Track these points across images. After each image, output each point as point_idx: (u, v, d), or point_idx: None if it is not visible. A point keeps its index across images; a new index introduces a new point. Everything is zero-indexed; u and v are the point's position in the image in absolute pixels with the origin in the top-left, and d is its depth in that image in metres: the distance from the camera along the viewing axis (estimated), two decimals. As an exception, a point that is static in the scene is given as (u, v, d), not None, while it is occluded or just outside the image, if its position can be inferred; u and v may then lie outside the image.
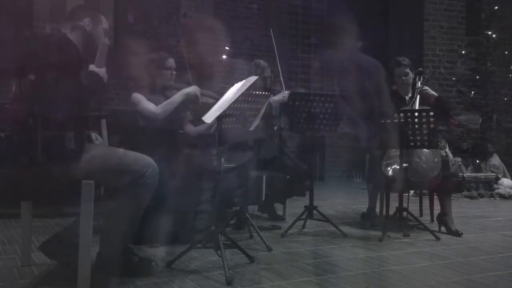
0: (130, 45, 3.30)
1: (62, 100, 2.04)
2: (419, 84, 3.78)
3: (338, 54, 3.50)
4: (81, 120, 2.20)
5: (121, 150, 2.30)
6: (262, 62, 4.06)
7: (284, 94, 3.85)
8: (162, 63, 3.36)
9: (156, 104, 3.22)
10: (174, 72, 3.41)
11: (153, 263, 2.40)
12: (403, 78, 3.84)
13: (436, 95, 3.81)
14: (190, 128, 3.47)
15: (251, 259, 2.64)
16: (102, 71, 2.20)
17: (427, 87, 3.78)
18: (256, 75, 3.55)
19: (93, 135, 2.53)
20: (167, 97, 3.28)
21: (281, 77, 4.16)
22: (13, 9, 5.07)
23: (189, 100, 3.25)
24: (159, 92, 3.35)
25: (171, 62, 3.39)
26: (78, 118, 2.16)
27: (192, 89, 3.24)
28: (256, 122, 3.17)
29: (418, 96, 3.72)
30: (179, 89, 3.32)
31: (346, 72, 3.44)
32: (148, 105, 3.22)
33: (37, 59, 2.10)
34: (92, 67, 2.20)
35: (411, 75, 3.85)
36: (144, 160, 2.23)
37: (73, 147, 2.08)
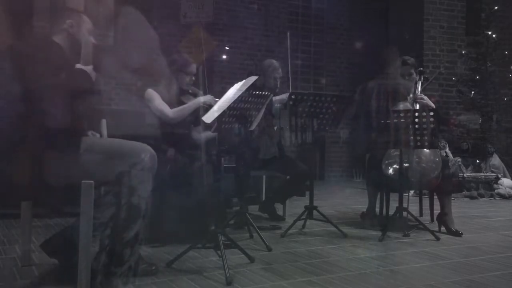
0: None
1: (50, 100, 2.05)
2: (419, 83, 3.78)
3: (388, 81, 3.85)
4: (74, 118, 2.17)
5: (117, 139, 2.31)
6: (274, 63, 4.04)
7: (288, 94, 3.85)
8: (185, 67, 3.35)
9: (169, 106, 3.22)
10: (193, 78, 3.41)
11: (154, 267, 2.40)
12: (406, 77, 3.84)
13: (433, 106, 3.76)
14: (197, 135, 3.44)
15: (251, 259, 2.64)
16: (89, 68, 2.20)
17: (425, 98, 3.75)
18: (255, 74, 3.55)
19: (90, 133, 2.52)
20: (180, 101, 3.28)
21: (290, 79, 4.15)
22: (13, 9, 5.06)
23: (202, 108, 3.25)
24: (174, 94, 3.34)
25: (193, 68, 3.39)
26: (70, 116, 2.14)
27: (208, 98, 3.23)
28: (256, 122, 3.17)
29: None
30: (194, 94, 3.33)
31: (396, 94, 3.79)
32: (163, 106, 3.20)
33: (23, 61, 2.10)
34: (79, 65, 2.20)
35: (415, 76, 3.85)
36: (141, 146, 2.24)
37: (69, 144, 2.08)
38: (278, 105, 3.88)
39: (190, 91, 3.39)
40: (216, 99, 3.27)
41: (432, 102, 3.77)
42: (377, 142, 3.53)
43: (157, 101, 3.22)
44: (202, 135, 3.27)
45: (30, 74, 2.07)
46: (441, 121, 3.83)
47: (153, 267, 2.40)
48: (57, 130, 2.07)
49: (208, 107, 3.20)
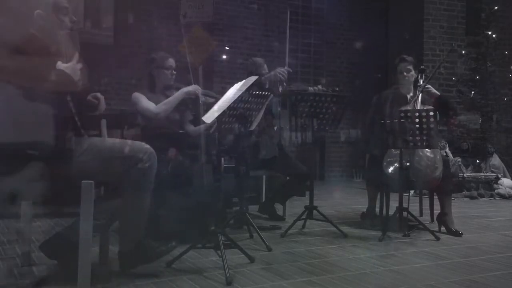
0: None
1: (38, 100, 1.95)
2: (421, 82, 3.79)
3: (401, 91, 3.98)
4: (65, 118, 2.11)
5: (117, 139, 2.30)
6: (258, 60, 4.06)
7: (282, 69, 3.80)
8: (162, 62, 3.37)
9: (156, 104, 3.24)
10: (174, 72, 3.43)
11: (174, 243, 2.42)
12: (405, 74, 3.85)
13: (438, 93, 3.81)
14: (190, 128, 3.48)
15: (251, 259, 2.64)
16: (69, 66, 1.97)
17: (429, 86, 3.78)
18: (255, 74, 3.56)
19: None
20: (167, 97, 3.30)
21: (287, 56, 4.11)
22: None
23: (189, 99, 3.27)
24: (159, 91, 3.37)
25: (171, 62, 3.41)
26: (61, 116, 2.07)
27: (192, 88, 3.27)
28: (256, 122, 3.18)
29: (420, 95, 3.72)
30: (178, 89, 3.34)
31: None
32: (148, 105, 3.23)
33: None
34: (59, 64, 1.98)
35: (413, 73, 3.85)
36: (140, 145, 2.23)
37: (61, 145, 2.06)
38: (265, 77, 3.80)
39: (174, 86, 3.41)
40: (206, 92, 3.30)
41: (433, 101, 3.77)
42: (383, 142, 3.54)
43: (143, 101, 3.24)
44: (201, 126, 3.29)
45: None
46: (446, 107, 3.81)
47: (173, 243, 2.42)
48: (51, 131, 2.05)
49: (194, 97, 3.24)
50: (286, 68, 3.85)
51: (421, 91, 3.71)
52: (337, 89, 3.74)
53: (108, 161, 2.15)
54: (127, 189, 2.19)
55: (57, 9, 2.09)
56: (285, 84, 3.83)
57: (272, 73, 3.82)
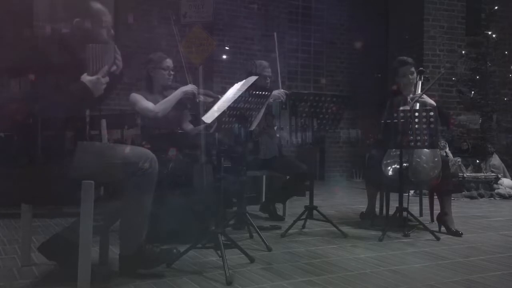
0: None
1: (47, 104, 1.98)
2: (419, 83, 3.77)
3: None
4: (72, 120, 2.14)
5: (116, 145, 2.30)
6: (263, 62, 4.07)
7: (280, 91, 3.90)
8: (160, 63, 3.38)
9: (155, 104, 3.25)
10: (172, 72, 3.44)
11: (175, 250, 2.42)
12: (410, 77, 3.79)
13: (434, 104, 3.69)
14: (189, 127, 3.48)
15: (251, 259, 2.64)
16: (92, 80, 1.99)
17: (424, 96, 3.70)
18: (255, 74, 3.57)
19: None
20: (165, 97, 3.31)
21: (279, 78, 4.18)
22: (12, 9, 5.06)
23: (187, 99, 3.29)
24: (157, 92, 3.38)
25: (168, 62, 3.42)
26: (69, 118, 2.10)
27: (190, 87, 3.30)
28: (256, 122, 3.18)
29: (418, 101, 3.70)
30: (176, 88, 3.36)
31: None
32: (147, 104, 3.25)
33: (38, 59, 2.05)
34: (83, 76, 2.00)
35: (416, 75, 3.82)
36: (141, 151, 2.23)
37: (64, 146, 2.07)
38: (272, 100, 3.85)
39: (172, 86, 3.42)
40: (205, 91, 3.32)
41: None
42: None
43: (141, 101, 3.26)
44: (201, 126, 3.29)
45: (42, 74, 1.99)
46: (443, 117, 3.77)
47: (174, 250, 2.43)
48: (54, 134, 2.05)
49: (191, 96, 3.26)
50: (283, 90, 3.94)
51: (417, 101, 3.65)
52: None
53: (109, 166, 2.15)
54: (128, 194, 2.19)
55: (96, 21, 2.11)
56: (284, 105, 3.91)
57: (277, 92, 3.88)
